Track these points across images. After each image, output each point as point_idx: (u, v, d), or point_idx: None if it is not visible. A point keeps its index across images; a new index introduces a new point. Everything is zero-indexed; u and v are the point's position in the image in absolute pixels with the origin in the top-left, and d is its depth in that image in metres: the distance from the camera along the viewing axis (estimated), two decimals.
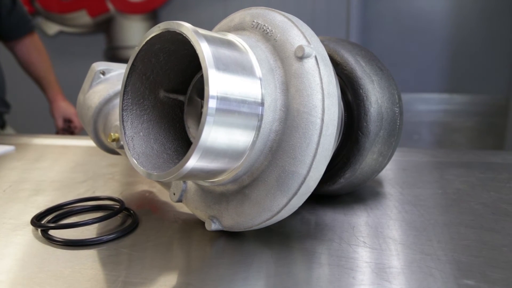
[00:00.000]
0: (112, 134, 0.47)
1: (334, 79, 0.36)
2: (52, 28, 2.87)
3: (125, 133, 0.40)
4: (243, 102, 0.34)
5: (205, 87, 0.32)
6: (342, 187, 0.48)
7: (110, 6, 2.75)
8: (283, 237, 0.41)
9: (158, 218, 0.47)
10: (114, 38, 2.79)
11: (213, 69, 0.32)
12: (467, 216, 0.46)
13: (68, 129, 1.43)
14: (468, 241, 0.40)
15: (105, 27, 2.79)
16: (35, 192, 0.55)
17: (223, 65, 0.33)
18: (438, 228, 0.43)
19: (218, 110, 0.32)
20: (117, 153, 0.55)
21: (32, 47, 1.41)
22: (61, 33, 2.86)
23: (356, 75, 0.45)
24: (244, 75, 0.34)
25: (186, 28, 0.34)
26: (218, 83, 0.32)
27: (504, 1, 2.44)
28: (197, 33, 0.33)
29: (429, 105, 2.62)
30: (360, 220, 0.45)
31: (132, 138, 0.40)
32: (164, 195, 0.54)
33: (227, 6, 2.58)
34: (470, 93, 2.54)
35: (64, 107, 1.44)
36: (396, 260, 0.36)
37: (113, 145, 0.47)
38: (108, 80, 0.51)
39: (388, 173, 0.62)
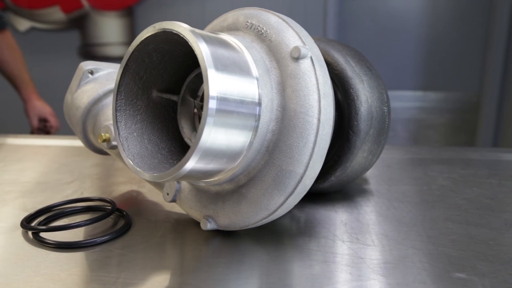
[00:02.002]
0: (102, 134, 0.46)
1: (329, 79, 0.37)
2: (23, 24, 2.78)
3: (119, 134, 0.40)
4: (242, 102, 0.34)
5: (205, 88, 0.32)
6: (332, 185, 0.49)
7: (85, 2, 2.69)
8: (277, 236, 0.42)
9: (150, 218, 0.46)
10: (88, 35, 2.74)
11: (213, 69, 0.32)
12: (453, 211, 0.48)
13: (44, 128, 1.40)
14: (456, 235, 0.42)
15: (79, 23, 2.72)
16: (21, 194, 0.53)
17: (221, 66, 0.33)
18: (426, 224, 0.45)
19: (217, 110, 0.32)
20: (106, 154, 0.54)
21: (4, 44, 1.37)
22: (32, 29, 2.78)
23: (346, 75, 0.45)
24: (241, 75, 0.35)
25: (184, 28, 0.34)
26: (218, 84, 0.32)
27: (474, 0, 2.51)
28: (194, 33, 0.33)
29: (404, 102, 2.68)
30: (351, 217, 0.46)
31: (127, 139, 0.40)
32: (154, 195, 0.53)
33: (204, 4, 2.56)
34: (444, 90, 2.61)
35: (39, 107, 1.40)
36: (389, 256, 0.38)
37: (104, 146, 0.46)
38: (96, 79, 0.50)
39: (373, 171, 0.64)
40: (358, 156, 0.46)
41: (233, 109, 0.33)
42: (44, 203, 0.50)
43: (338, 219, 0.46)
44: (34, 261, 0.37)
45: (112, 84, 0.50)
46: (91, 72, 0.50)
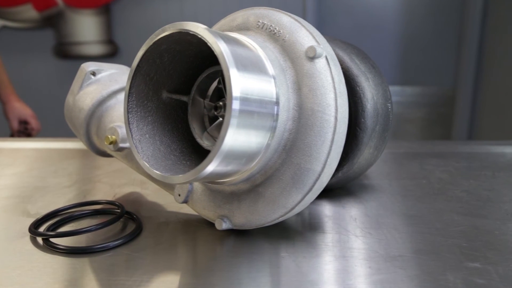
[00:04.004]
0: (109, 136, 0.45)
1: (343, 78, 0.38)
2: None
3: (132, 136, 0.39)
4: (261, 102, 0.34)
5: (227, 89, 0.32)
6: (338, 181, 0.50)
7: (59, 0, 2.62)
8: (290, 232, 0.42)
9: (159, 219, 0.46)
10: (63, 34, 2.67)
11: (234, 69, 0.32)
12: (455, 203, 0.49)
13: (25, 131, 1.36)
14: (463, 227, 0.43)
15: (54, 22, 2.65)
16: (22, 199, 0.52)
17: (241, 65, 0.33)
18: (432, 216, 0.46)
19: (240, 111, 0.32)
20: (109, 156, 0.53)
21: None
22: (4, 28, 2.69)
23: (352, 73, 0.46)
24: (260, 75, 0.35)
25: (202, 29, 0.34)
26: (240, 84, 0.32)
27: None
28: (214, 33, 0.33)
29: None
30: (359, 212, 0.47)
31: (140, 141, 0.40)
32: (159, 196, 0.53)
33: (182, 2, 2.54)
34: (420, 85, 2.68)
35: (19, 108, 1.36)
36: (404, 249, 0.39)
37: (110, 148, 0.46)
38: (99, 81, 0.49)
39: (372, 166, 0.65)
40: (365, 152, 0.47)
41: (254, 109, 0.33)
42: (46, 208, 0.49)
43: (347, 214, 0.47)
44: (50, 268, 0.36)
45: (115, 86, 0.49)
46: (93, 73, 0.49)
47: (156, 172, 0.36)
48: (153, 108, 0.42)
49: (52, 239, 0.40)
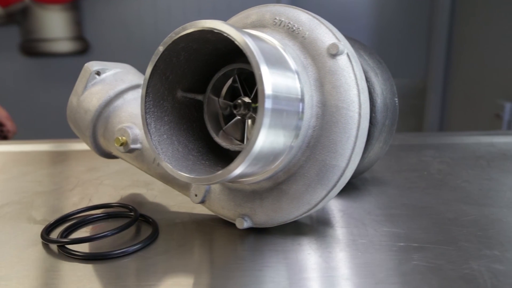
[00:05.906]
0: (119, 138, 0.44)
1: (363, 74, 0.38)
2: None
3: (151, 138, 0.38)
4: (288, 99, 0.34)
5: (259, 87, 0.31)
6: None
7: None
8: (307, 229, 0.43)
9: (172, 221, 0.45)
10: (30, 30, 2.56)
11: (265, 66, 0.32)
12: (460, 193, 0.51)
13: (0, 133, 1.30)
14: (473, 216, 0.45)
15: (20, 18, 2.54)
16: (24, 206, 0.50)
17: (270, 63, 0.33)
18: (441, 207, 0.47)
19: (272, 110, 0.32)
20: (114, 157, 0.52)
21: None
22: None
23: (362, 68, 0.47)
24: (285, 71, 0.35)
25: (228, 27, 0.33)
26: (271, 82, 0.32)
27: None
28: (240, 31, 0.33)
29: None
30: (371, 206, 0.48)
31: (159, 142, 0.39)
32: (167, 196, 0.52)
33: None
34: (393, 77, 2.73)
35: None
36: (423, 240, 0.39)
37: (121, 150, 0.45)
38: (104, 80, 0.48)
39: None
40: (375, 146, 0.48)
41: (283, 107, 0.33)
42: (53, 213, 0.47)
43: (359, 208, 0.47)
44: (73, 276, 0.35)
45: (122, 85, 0.48)
46: (98, 73, 0.47)
47: (181, 174, 0.36)
48: (169, 108, 0.41)
49: (67, 246, 0.39)
